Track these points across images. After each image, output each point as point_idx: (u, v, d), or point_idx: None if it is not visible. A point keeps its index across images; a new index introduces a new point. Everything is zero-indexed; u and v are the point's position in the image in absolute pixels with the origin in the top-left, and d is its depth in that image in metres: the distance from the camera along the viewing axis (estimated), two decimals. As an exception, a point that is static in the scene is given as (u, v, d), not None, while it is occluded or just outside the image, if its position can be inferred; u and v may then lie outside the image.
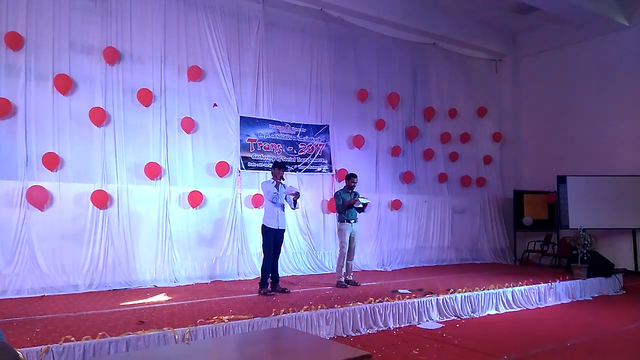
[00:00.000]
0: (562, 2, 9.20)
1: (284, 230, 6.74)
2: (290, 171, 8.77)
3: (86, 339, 3.97)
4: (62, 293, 6.43)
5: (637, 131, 10.09)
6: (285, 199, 6.64)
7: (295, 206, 6.70)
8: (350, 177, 7.31)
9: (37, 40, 6.75)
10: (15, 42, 6.53)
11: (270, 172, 7.64)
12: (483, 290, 6.66)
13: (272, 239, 6.54)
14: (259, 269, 6.88)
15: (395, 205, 10.00)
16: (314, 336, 4.47)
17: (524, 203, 11.18)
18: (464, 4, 10.41)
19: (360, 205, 7.17)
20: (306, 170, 8.99)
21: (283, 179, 6.64)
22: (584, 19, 10.10)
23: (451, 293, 6.38)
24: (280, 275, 6.82)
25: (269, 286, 6.55)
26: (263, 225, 6.59)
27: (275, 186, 6.53)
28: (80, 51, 7.06)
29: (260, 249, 8.06)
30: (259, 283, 6.56)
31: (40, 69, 6.74)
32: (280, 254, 7.77)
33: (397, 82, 10.34)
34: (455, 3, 10.40)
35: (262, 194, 6.91)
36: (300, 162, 8.94)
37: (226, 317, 4.77)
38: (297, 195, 6.58)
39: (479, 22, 11.28)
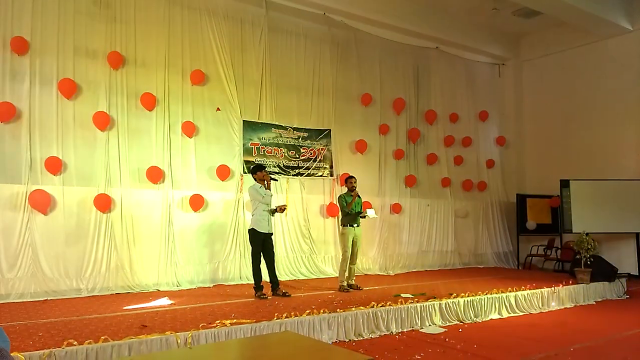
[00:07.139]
0: (565, 6, 9.20)
1: (272, 234, 6.72)
2: (292, 175, 8.78)
3: (89, 343, 3.98)
4: (65, 297, 6.45)
5: (641, 135, 10.09)
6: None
7: (273, 214, 6.71)
8: (349, 179, 7.31)
9: (42, 45, 6.78)
10: (20, 46, 6.57)
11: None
12: (486, 294, 6.64)
13: (262, 243, 6.54)
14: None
15: (398, 209, 9.99)
16: (316, 341, 4.46)
17: (527, 207, 11.16)
18: (466, 8, 10.43)
19: (366, 215, 7.24)
20: (308, 175, 9.00)
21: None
22: (588, 23, 10.10)
23: (454, 297, 6.36)
24: (281, 280, 6.79)
25: (270, 290, 6.54)
26: (253, 229, 6.55)
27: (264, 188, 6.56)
28: (84, 56, 7.10)
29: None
30: (254, 288, 6.54)
31: (44, 74, 6.78)
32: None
33: (399, 86, 10.35)
34: (458, 7, 10.42)
35: (251, 199, 6.78)
36: (303, 167, 8.95)
37: (228, 322, 4.78)
38: (282, 209, 6.71)
39: (482, 26, 11.29)
